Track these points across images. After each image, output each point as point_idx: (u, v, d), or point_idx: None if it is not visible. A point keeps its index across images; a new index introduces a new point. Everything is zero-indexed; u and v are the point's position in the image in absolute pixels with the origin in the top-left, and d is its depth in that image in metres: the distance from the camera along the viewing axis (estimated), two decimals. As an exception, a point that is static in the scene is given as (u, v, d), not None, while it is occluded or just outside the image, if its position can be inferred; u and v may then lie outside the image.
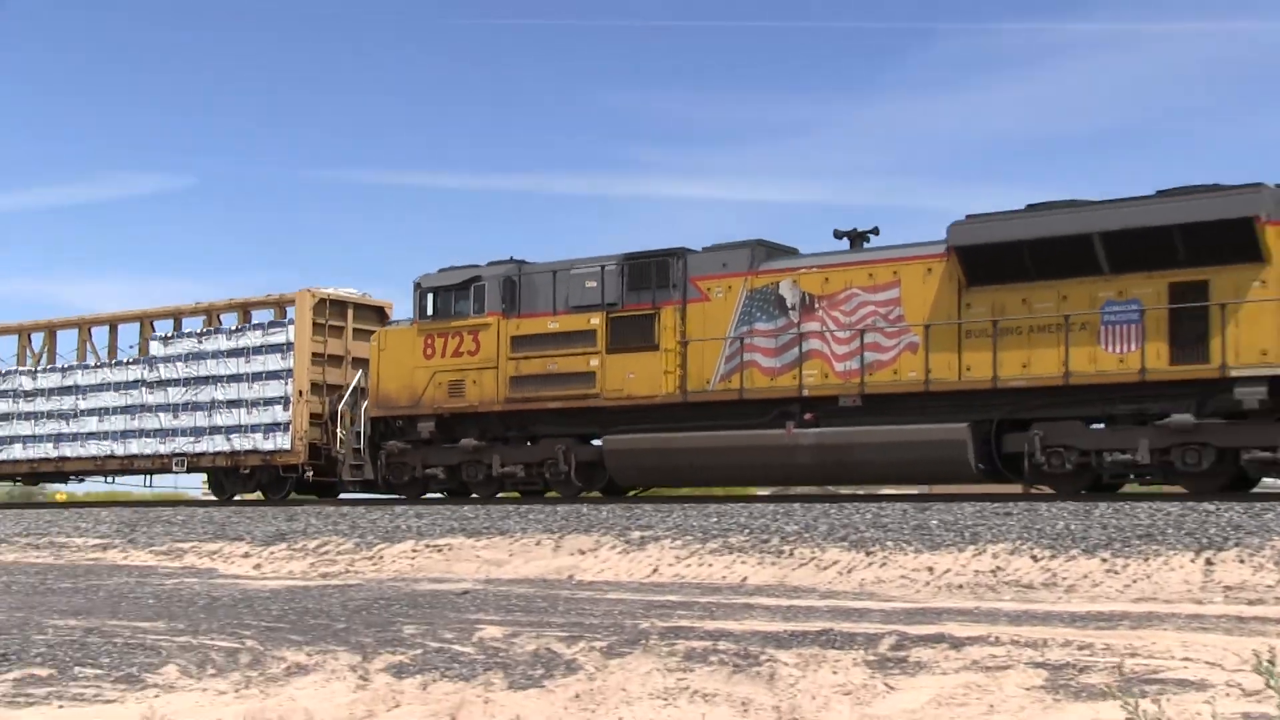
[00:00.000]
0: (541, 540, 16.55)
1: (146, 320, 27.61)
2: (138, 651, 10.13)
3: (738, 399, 19.78)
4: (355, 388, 24.58)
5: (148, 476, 27.96)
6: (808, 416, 19.23)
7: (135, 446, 26.63)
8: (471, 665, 8.86)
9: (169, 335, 27.02)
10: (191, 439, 25.90)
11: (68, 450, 27.67)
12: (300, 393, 24.81)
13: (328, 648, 9.83)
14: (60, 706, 8.67)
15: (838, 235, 20.25)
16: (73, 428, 27.73)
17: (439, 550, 16.86)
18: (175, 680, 9.25)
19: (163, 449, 26.23)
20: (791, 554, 14.55)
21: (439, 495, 23.10)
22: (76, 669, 9.73)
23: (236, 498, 26.26)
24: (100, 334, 28.42)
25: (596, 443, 21.42)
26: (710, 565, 14.65)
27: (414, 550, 17.06)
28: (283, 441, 24.79)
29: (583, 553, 15.82)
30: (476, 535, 17.28)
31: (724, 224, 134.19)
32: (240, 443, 25.31)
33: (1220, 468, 16.80)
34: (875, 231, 20.24)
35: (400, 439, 23.16)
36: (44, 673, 9.68)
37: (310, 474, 25.07)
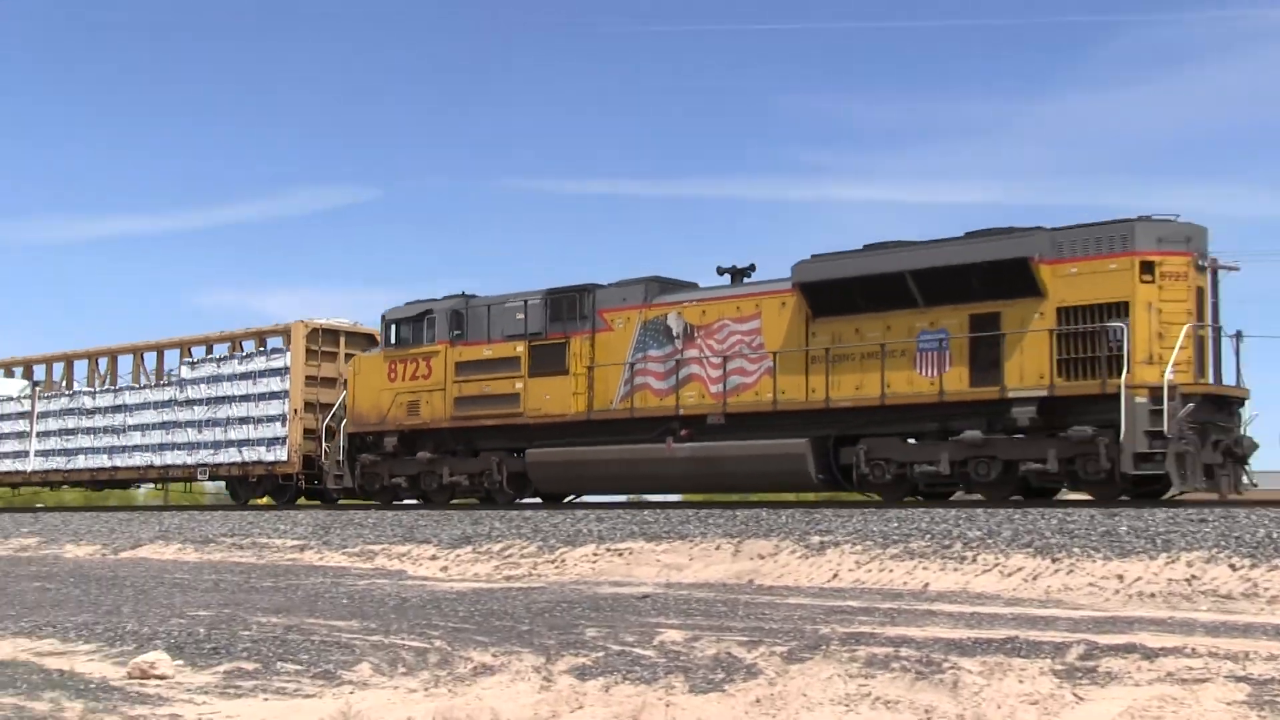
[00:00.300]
0: (721, 545, 16.58)
1: (184, 346, 31.44)
2: (333, 649, 10.47)
3: (630, 417, 22.45)
4: (339, 407, 27.63)
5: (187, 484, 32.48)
6: (684, 433, 21.78)
7: (169, 458, 30.52)
8: (653, 668, 8.93)
9: (195, 360, 30.82)
10: (212, 451, 29.61)
11: (119, 460, 31.63)
12: (295, 411, 28.17)
13: (512, 649, 10.02)
14: (265, 699, 9.03)
15: (720, 271, 22.60)
16: (122, 441, 31.67)
17: (619, 554, 17.03)
18: (369, 678, 9.54)
19: (190, 460, 30.07)
20: (974, 560, 14.28)
21: (412, 500, 26.05)
22: (278, 664, 10.11)
23: (250, 502, 29.80)
24: (150, 358, 32.40)
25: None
26: (891, 571, 14.47)
27: (595, 554, 17.26)
28: (281, 454, 28.23)
29: (762, 557, 15.79)
30: (656, 539, 17.40)
31: (899, 227, 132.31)
32: (249, 455, 28.90)
33: (1006, 478, 19.02)
34: (752, 268, 22.48)
35: (372, 452, 26.23)
36: (250, 666, 10.09)
37: (303, 482, 28.51)
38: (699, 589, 14.36)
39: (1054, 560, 13.76)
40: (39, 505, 38.58)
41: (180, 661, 10.38)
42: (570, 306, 23.60)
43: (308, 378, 28.49)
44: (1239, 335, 18.73)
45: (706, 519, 18.48)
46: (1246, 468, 18.38)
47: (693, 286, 23.11)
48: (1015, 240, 18.93)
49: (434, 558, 18.25)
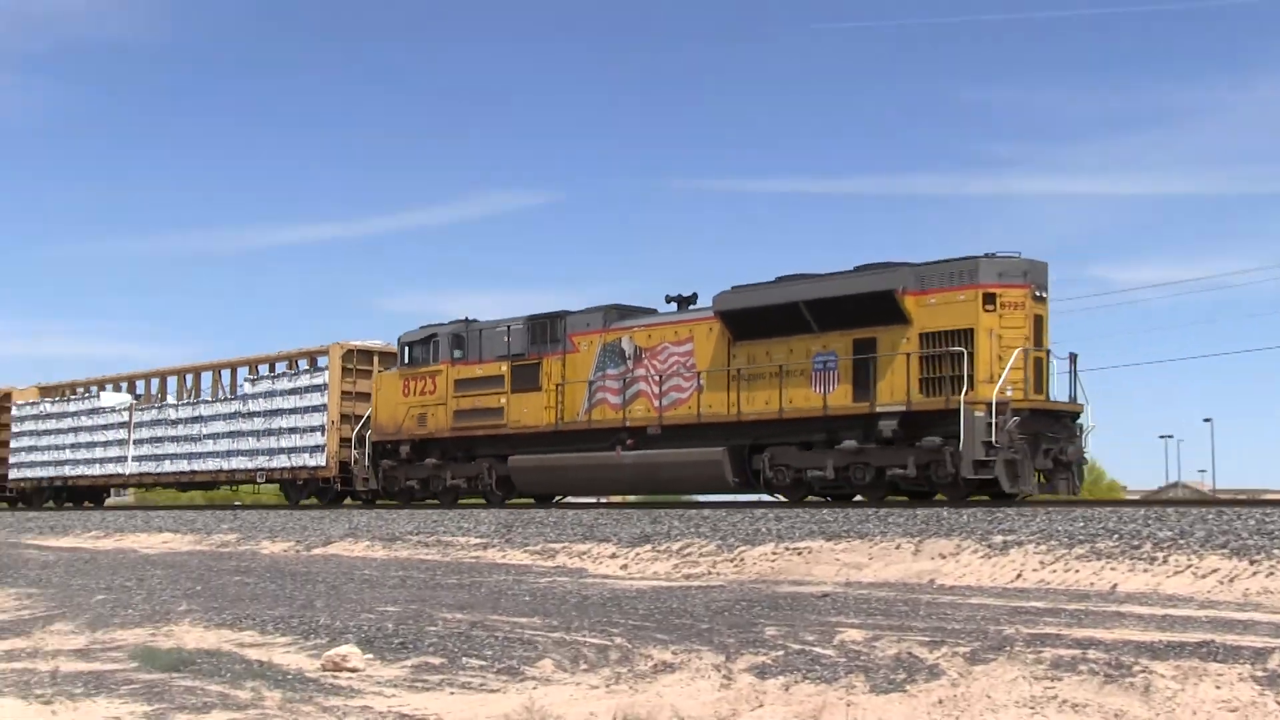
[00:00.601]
0: (901, 544, 16.36)
1: (251, 364, 36.27)
2: (516, 645, 10.67)
3: (589, 428, 25.66)
4: (366, 419, 31.08)
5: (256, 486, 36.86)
6: (629, 442, 24.88)
7: (234, 463, 34.89)
8: (833, 668, 8.87)
9: (256, 378, 35.35)
10: (268, 458, 33.88)
11: (195, 465, 36.18)
12: (333, 422, 32.01)
13: (692, 647, 10.06)
14: (451, 693, 9.24)
15: (668, 300, 25.49)
16: (198, 448, 36.34)
17: (798, 553, 16.94)
18: (551, 674, 9.68)
19: (250, 465, 34.42)
20: (1165, 561, 13.79)
21: (433, 501, 29.27)
22: (464, 659, 10.35)
23: (301, 502, 33.54)
24: (225, 375, 37.16)
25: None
26: (1077, 571, 14.08)
27: (774, 553, 17.20)
28: (320, 460, 32.21)
29: (943, 557, 15.53)
30: (835, 538, 17.26)
31: (1092, 221, 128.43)
32: (296, 461, 33.03)
33: (879, 482, 21.79)
34: (695, 297, 25.16)
35: (391, 458, 29.73)
36: (436, 661, 10.35)
37: (339, 485, 32.09)
38: (879, 588, 14.20)
39: (1252, 562, 13.20)
40: (237, 504, 41.46)
41: (370, 655, 10.70)
42: (545, 331, 26.82)
43: (344, 393, 32.27)
44: (1073, 357, 21.50)
45: (886, 518, 18.26)
46: (1071, 473, 21.03)
47: (648, 313, 26.09)
48: (885, 275, 21.74)
49: (614, 556, 18.43)
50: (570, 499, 29.00)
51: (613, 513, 22.98)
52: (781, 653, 9.53)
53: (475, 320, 28.34)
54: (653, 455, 24.59)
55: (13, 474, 43.02)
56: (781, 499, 23.16)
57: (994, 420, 20.03)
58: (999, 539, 15.70)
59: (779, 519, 19.46)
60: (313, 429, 32.97)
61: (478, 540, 20.89)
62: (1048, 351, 21.31)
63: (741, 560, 17.18)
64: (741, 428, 23.56)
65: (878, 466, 21.70)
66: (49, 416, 42.58)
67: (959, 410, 20.36)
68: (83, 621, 14.15)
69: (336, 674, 10.14)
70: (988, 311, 20.87)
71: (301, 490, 33.85)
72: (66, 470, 41.38)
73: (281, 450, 33.83)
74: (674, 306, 25.46)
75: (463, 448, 28.63)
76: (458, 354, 28.43)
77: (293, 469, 33.43)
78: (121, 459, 39.18)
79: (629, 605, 12.86)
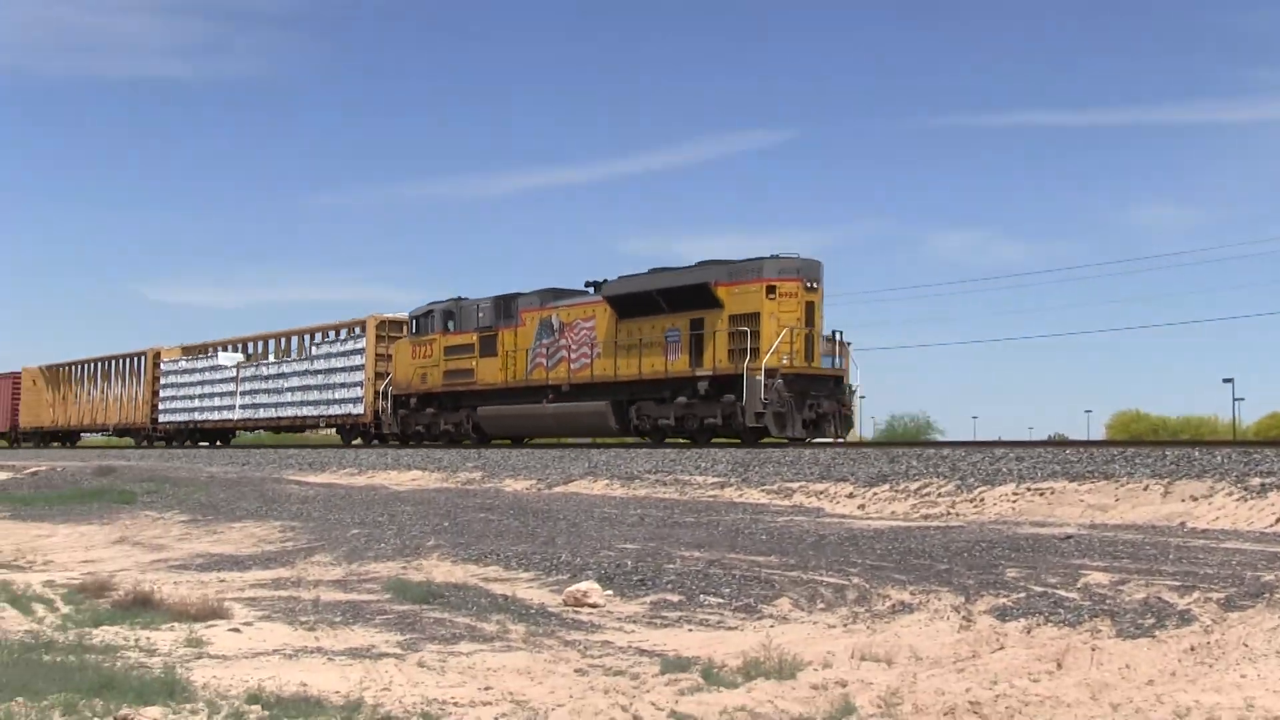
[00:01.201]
0: (1149, 485, 15.73)
1: (322, 330, 45.36)
2: (753, 584, 10.74)
3: (527, 386, 32.47)
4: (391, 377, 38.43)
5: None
6: (550, 397, 31.65)
7: (305, 410, 43.97)
8: (1077, 611, 8.63)
9: (319, 342, 44.57)
10: (326, 407, 42.67)
11: (280, 412, 45.50)
12: (369, 379, 40.22)
13: (930, 588, 9.94)
14: (689, 630, 9.39)
15: (586, 284, 31.62)
16: (282, 399, 45.41)
17: (1040, 494, 16.47)
18: (788, 612, 9.72)
19: (314, 412, 43.44)
20: None
21: (437, 441, 35.95)
22: (701, 597, 10.48)
23: (354, 443, 41.16)
24: (305, 339, 46.31)
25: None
26: (1345, 516, 13.28)
27: (1015, 493, 16.78)
28: (360, 410, 40.78)
29: (1194, 499, 14.86)
30: (1080, 479, 16.72)
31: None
32: (345, 409, 41.67)
33: (702, 428, 27.96)
34: (605, 283, 30.82)
35: (405, 409, 37.13)
36: (675, 598, 10.51)
37: (374, 429, 39.79)
38: (1125, 530, 13.71)
39: None
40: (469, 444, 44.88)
41: (610, 591, 10.94)
42: (504, 308, 33.56)
43: (378, 355, 40.07)
44: (838, 334, 27.69)
45: (1134, 458, 17.58)
46: (833, 421, 26.77)
47: (575, 294, 32.19)
48: (706, 270, 27.97)
49: (851, 495, 18.30)
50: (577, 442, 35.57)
51: (850, 452, 22.81)
52: (1023, 595, 9.33)
53: (463, 298, 35.20)
54: (565, 407, 31.34)
55: (162, 418, 53.67)
56: (646, 440, 29.85)
57: (763, 382, 25.91)
58: (1256, 481, 14.93)
59: (1020, 459, 18.95)
60: (356, 384, 41.50)
61: (715, 479, 21.04)
62: (819, 332, 27.16)
63: (981, 500, 16.83)
64: (620, 386, 29.86)
65: (699, 416, 27.84)
66: (186, 372, 52.64)
67: (743, 375, 26.28)
68: (340, 554, 14.92)
69: (578, 609, 10.42)
70: (769, 299, 26.74)
71: (350, 433, 42.23)
72: (195, 415, 51.41)
73: (336, 401, 42.50)
74: (592, 290, 31.40)
75: (451, 400, 35.60)
76: (450, 325, 35.33)
77: (343, 416, 42.02)
78: (231, 407, 49.03)
79: (866, 545, 12.77)
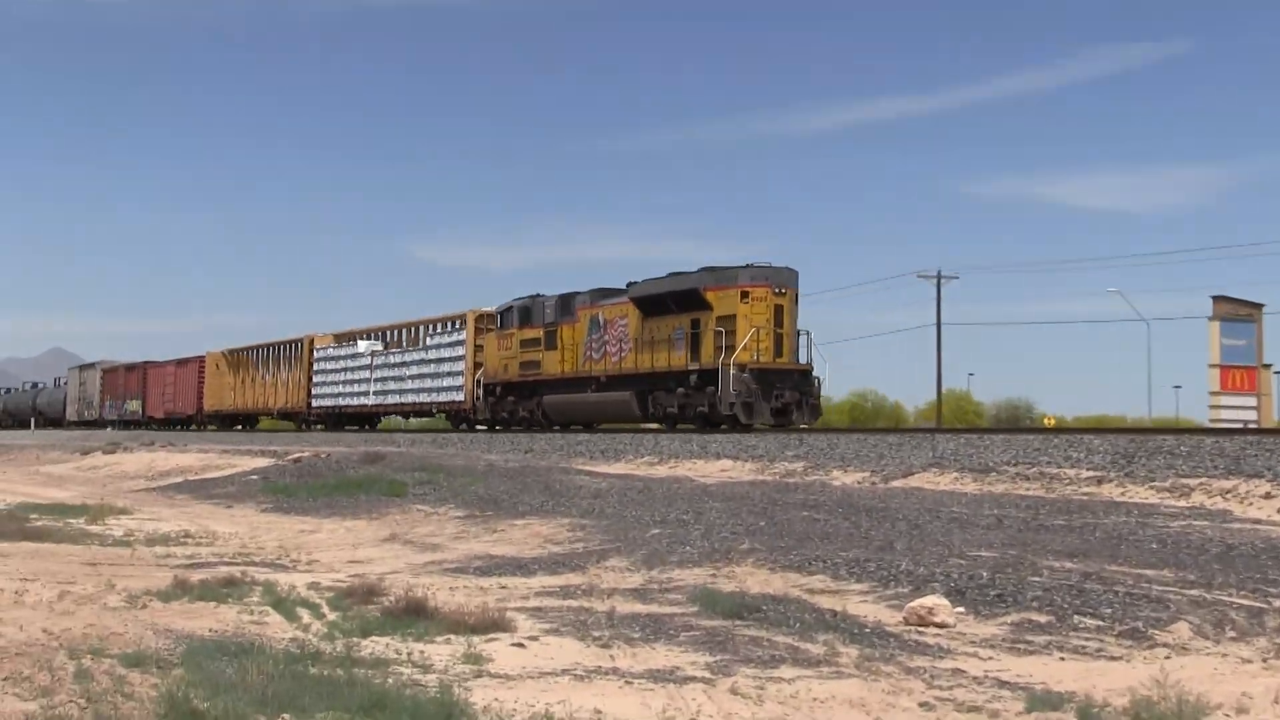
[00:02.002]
0: None
1: (433, 323, 55.29)
2: (1141, 603, 10.36)
3: (579, 377, 41.72)
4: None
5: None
6: (593, 386, 40.76)
7: (421, 398, 54.50)
8: None
9: (434, 333, 54.43)
10: (436, 394, 53.09)
11: (401, 398, 56.13)
12: (468, 369, 50.08)
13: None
14: (1060, 658, 9.15)
15: (628, 285, 40.49)
16: (404, 385, 55.84)
17: None
18: (1187, 640, 9.35)
19: (428, 400, 54.04)
20: None
21: (517, 426, 45.66)
22: (1075, 617, 10.19)
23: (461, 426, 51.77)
24: (422, 329, 56.32)
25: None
26: None
27: None
28: (461, 396, 50.74)
29: None
30: None
31: None
32: (449, 396, 51.86)
33: (696, 415, 36.62)
34: (633, 284, 40.23)
35: (493, 397, 47.02)
36: (1042, 619, 10.26)
37: (474, 414, 49.46)
38: None
39: None
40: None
41: (961, 608, 10.78)
42: (565, 306, 43.00)
43: (476, 347, 49.71)
44: (808, 333, 36.69)
45: None
46: (800, 410, 35.39)
47: (617, 293, 41.17)
48: (700, 276, 37.05)
49: (1269, 496, 17.41)
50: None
51: (1265, 441, 21.73)
52: None
53: (539, 295, 44.76)
54: (603, 396, 40.40)
55: (315, 403, 64.40)
56: (662, 427, 38.47)
57: (733, 375, 34.26)
58: None
59: None
60: (459, 373, 51.19)
61: (1090, 473, 20.42)
62: (788, 332, 35.93)
63: None
64: (641, 378, 38.62)
65: (694, 405, 36.32)
66: (334, 359, 63.45)
67: (719, 369, 34.76)
68: (638, 558, 15.22)
69: (921, 629, 10.30)
70: (744, 303, 35.39)
71: (456, 419, 52.60)
72: (340, 401, 62.04)
73: (443, 389, 52.44)
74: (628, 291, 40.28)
75: (527, 389, 45.02)
76: (526, 321, 44.92)
77: (449, 403, 52.14)
78: (367, 393, 59.56)
79: (1289, 558, 12.11)
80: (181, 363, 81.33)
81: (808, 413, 36.09)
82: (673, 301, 37.69)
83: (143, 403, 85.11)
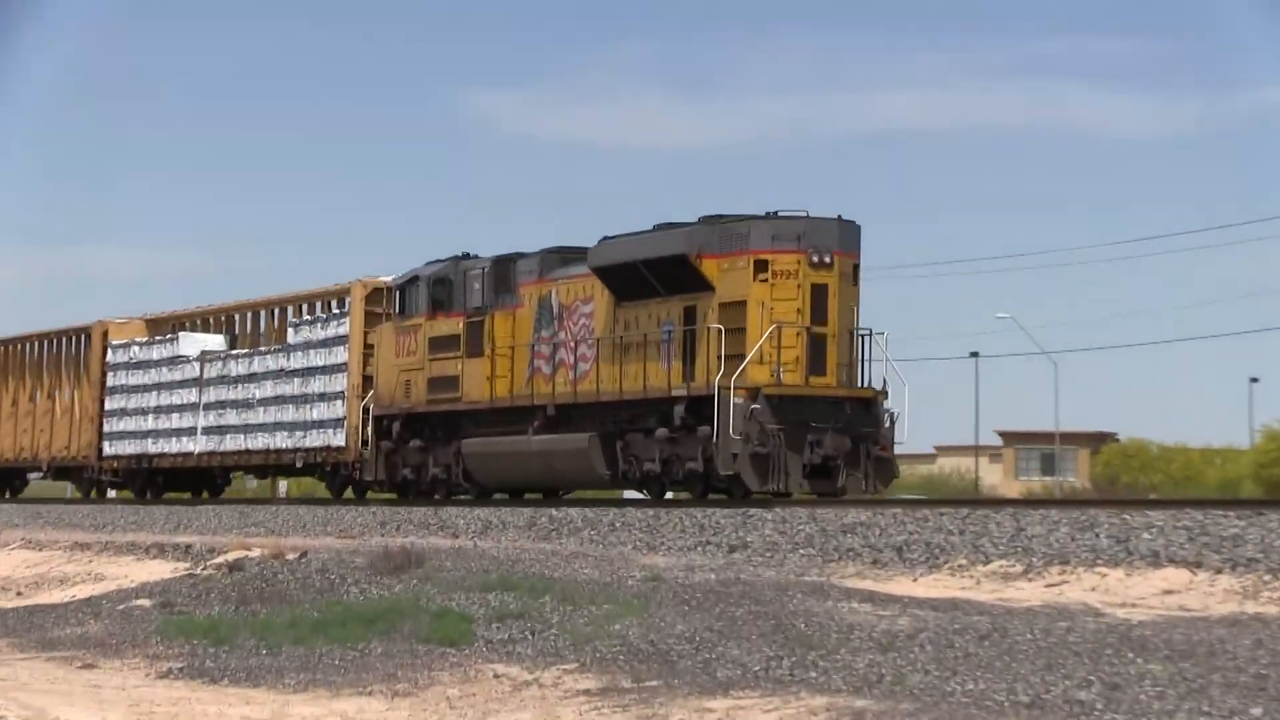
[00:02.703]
0: None
1: (304, 300, 35.11)
2: None
3: (511, 405, 26.63)
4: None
5: None
6: (537, 422, 26.03)
7: (280, 438, 33.18)
8: None
9: (299, 321, 33.95)
10: (303, 433, 32.59)
11: (247, 441, 34.25)
12: (354, 386, 30.99)
13: None
14: None
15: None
16: (248, 417, 34.26)
17: None
18: None
19: (289, 442, 32.77)
20: None
21: (433, 496, 28.95)
22: None
23: None
24: (286, 310, 35.99)
25: None
26: None
27: None
28: (340, 438, 31.28)
29: None
30: None
31: None
32: (323, 437, 31.89)
33: (688, 475, 23.64)
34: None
35: (389, 439, 29.41)
36: None
37: (359, 473, 31.13)
38: None
39: None
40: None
41: None
42: (500, 278, 27.07)
43: (366, 347, 31.26)
44: (875, 334, 23.71)
45: None
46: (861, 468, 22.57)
47: (582, 256, 25.71)
48: (691, 233, 23.56)
49: None
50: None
51: None
52: None
53: (468, 257, 28.13)
54: (549, 442, 25.54)
55: (108, 447, 39.26)
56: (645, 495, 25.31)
57: (738, 406, 21.71)
58: None
59: None
60: (335, 395, 31.47)
61: None
62: (836, 331, 22.84)
63: None
64: (607, 410, 24.85)
65: (682, 458, 23.25)
66: (141, 366, 38.71)
67: (715, 395, 22.02)
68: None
69: None
70: (759, 281, 22.43)
71: (334, 478, 32.73)
72: (151, 445, 37.51)
73: (313, 424, 32.08)
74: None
75: (443, 426, 28.39)
76: (445, 302, 28.13)
77: (321, 450, 31.82)
78: (192, 430, 35.90)
79: None
80: None
81: (871, 472, 22.61)
82: (653, 275, 23.85)
83: None
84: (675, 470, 23.55)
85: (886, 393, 23.38)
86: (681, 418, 22.97)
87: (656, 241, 23.92)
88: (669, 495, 25.31)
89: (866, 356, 23.41)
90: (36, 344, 43.72)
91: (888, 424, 23.14)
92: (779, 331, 22.29)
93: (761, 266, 22.54)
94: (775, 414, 21.85)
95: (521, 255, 27.12)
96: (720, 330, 22.60)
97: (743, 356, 22.17)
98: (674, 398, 23.23)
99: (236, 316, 38.36)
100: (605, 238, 25.14)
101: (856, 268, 23.38)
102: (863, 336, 23.39)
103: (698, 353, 23.12)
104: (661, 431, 23.50)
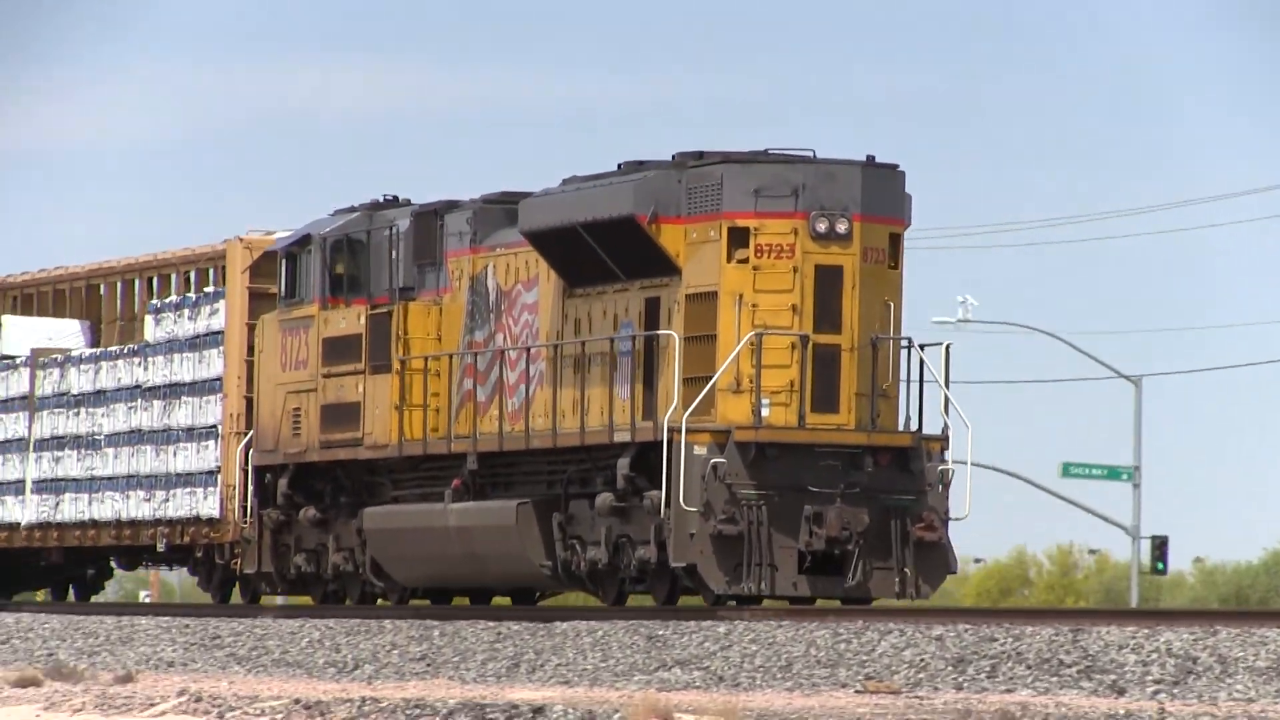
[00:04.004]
0: None
1: (160, 269, 25.29)
2: None
3: (426, 454, 19.52)
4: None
5: None
6: (456, 482, 18.49)
7: (134, 505, 24.63)
8: None
9: (157, 309, 24.41)
10: (165, 495, 24.01)
11: (92, 508, 25.27)
12: (231, 415, 22.60)
13: None
14: None
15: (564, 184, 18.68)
16: (93, 464, 24.83)
17: None
18: None
19: (149, 509, 24.18)
20: None
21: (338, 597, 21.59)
22: None
23: None
24: (137, 284, 25.94)
25: None
26: None
27: None
28: (213, 503, 23.05)
29: None
30: None
31: None
32: (183, 502, 23.81)
33: (641, 567, 17.10)
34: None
35: (274, 505, 21.88)
36: None
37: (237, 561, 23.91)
38: None
39: None
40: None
41: None
42: (423, 241, 18.91)
43: (249, 350, 22.43)
44: (916, 346, 16.68)
45: None
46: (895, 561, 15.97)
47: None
48: (642, 183, 16.64)
49: None
50: None
51: None
52: None
53: (390, 203, 19.74)
54: (469, 513, 18.06)
55: None
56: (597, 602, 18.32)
57: (684, 461, 15.38)
58: None
59: None
60: (204, 432, 22.14)
61: None
62: (867, 336, 15.86)
63: None
64: (546, 461, 17.96)
65: (633, 540, 16.46)
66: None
67: (663, 441, 15.48)
68: None
69: None
70: (734, 262, 15.82)
71: (208, 566, 23.03)
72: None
73: (180, 480, 22.57)
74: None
75: (349, 481, 20.01)
76: (350, 282, 19.42)
77: (188, 519, 22.38)
78: (20, 484, 25.53)
79: None
80: None
81: (910, 562, 15.65)
82: (603, 248, 16.69)
83: None
84: (622, 558, 16.71)
85: (945, 439, 16.40)
86: (626, 476, 16.22)
87: (599, 198, 16.72)
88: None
89: (909, 380, 16.37)
90: None
91: (938, 487, 16.22)
92: (760, 342, 15.66)
93: (738, 238, 15.86)
94: (753, 472, 15.49)
95: (453, 205, 19.05)
96: (676, 339, 15.96)
97: (708, 379, 15.78)
98: (616, 444, 16.38)
99: (103, 289, 26.71)
100: (544, 191, 17.73)
101: (897, 241, 16.33)
102: (904, 349, 16.43)
103: (659, 373, 16.34)
104: (604, 499, 16.55)
